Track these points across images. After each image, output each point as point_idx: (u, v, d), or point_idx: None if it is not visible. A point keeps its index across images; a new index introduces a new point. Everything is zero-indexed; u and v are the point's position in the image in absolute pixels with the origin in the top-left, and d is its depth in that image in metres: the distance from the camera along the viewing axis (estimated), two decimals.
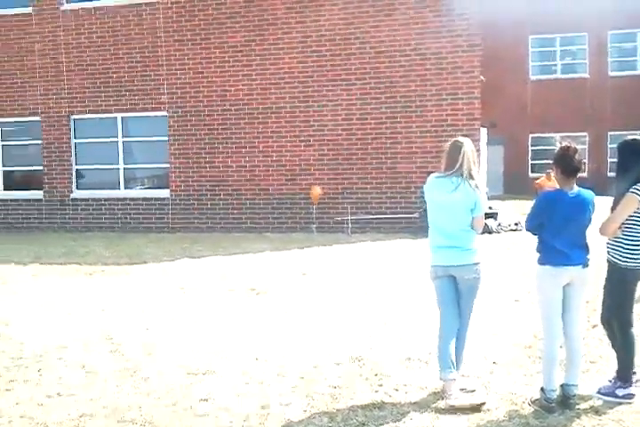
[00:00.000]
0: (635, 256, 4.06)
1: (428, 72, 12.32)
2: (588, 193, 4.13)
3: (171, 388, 4.50)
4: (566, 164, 4.07)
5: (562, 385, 4.03)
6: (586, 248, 4.13)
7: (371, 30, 12.56)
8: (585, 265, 4.08)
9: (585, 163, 22.15)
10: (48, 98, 14.21)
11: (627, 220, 4.07)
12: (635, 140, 4.25)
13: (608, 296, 4.21)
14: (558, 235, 4.04)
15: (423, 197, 4.51)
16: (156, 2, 13.49)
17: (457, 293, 4.22)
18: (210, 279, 8.38)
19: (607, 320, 4.23)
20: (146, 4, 13.58)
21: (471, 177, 4.11)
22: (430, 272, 4.31)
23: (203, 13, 13.34)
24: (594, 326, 5.46)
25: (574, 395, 3.99)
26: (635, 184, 4.02)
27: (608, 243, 4.20)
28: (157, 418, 4.00)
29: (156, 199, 13.72)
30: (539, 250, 4.18)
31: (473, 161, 4.14)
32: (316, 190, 12.42)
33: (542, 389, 4.01)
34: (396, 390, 4.38)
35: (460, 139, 4.23)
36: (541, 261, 4.13)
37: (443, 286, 4.23)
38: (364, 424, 3.83)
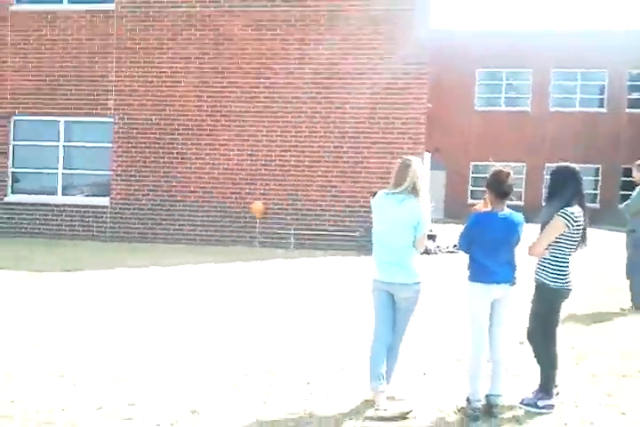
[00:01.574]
0: (562, 277, 4.24)
1: (378, 96, 12.57)
2: (517, 215, 4.33)
3: (97, 392, 4.38)
4: (498, 186, 4.27)
5: (486, 395, 4.21)
6: (513, 267, 4.33)
7: (325, 52, 12.75)
8: (512, 283, 4.29)
9: (521, 191, 23.62)
10: None
11: (555, 242, 4.24)
12: (563, 166, 4.45)
13: (535, 315, 4.36)
14: (488, 254, 4.24)
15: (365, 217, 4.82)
16: (112, 10, 13.35)
17: (393, 308, 4.27)
18: (147, 289, 8.23)
19: (532, 337, 4.40)
20: (101, 11, 13.43)
21: (417, 195, 4.15)
22: (372, 284, 4.38)
23: (158, 24, 13.28)
24: (521, 343, 5.57)
25: (497, 405, 4.18)
26: (562, 208, 4.20)
27: (537, 264, 4.35)
28: (81, 420, 3.88)
29: (94, 207, 13.35)
30: (469, 267, 4.37)
31: (421, 180, 4.18)
32: (258, 205, 12.41)
33: (468, 398, 4.18)
34: (328, 398, 4.40)
35: (410, 157, 4.29)
36: (472, 279, 4.32)
37: (380, 300, 4.29)
38: None
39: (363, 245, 12.26)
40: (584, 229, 4.28)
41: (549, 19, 50.93)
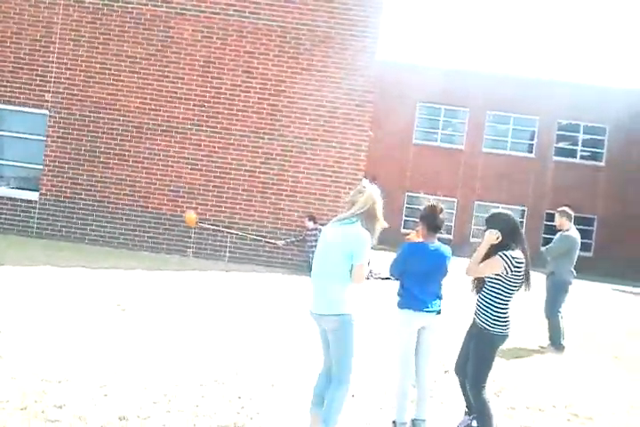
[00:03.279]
0: (502, 323, 4.31)
1: (322, 118, 12.83)
2: (446, 248, 4.60)
3: (22, 393, 4.27)
4: (431, 220, 4.55)
5: (412, 420, 4.44)
6: (440, 297, 4.55)
7: (273, 68, 12.90)
8: (438, 312, 4.51)
9: (451, 226, 24.46)
10: None
11: (494, 286, 4.35)
12: (501, 213, 4.58)
13: (473, 356, 4.40)
14: (418, 283, 4.45)
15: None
16: None
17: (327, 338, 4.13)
18: (74, 290, 8.03)
19: (461, 372, 4.53)
20: None
21: (368, 222, 4.08)
22: None
23: (106, 18, 13.00)
24: (446, 372, 5.86)
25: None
26: (502, 250, 4.29)
27: (477, 308, 4.44)
28: (3, 420, 3.81)
29: (22, 200, 12.87)
30: (399, 294, 4.56)
31: (374, 206, 4.11)
32: (191, 214, 12.22)
33: (394, 421, 4.42)
34: (258, 413, 4.46)
35: (365, 184, 4.25)
36: (401, 306, 4.51)
37: (317, 329, 4.25)
38: None
39: (296, 264, 12.56)
40: (527, 273, 4.36)
41: (493, 60, 52.97)
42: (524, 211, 25.49)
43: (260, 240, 12.69)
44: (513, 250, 4.31)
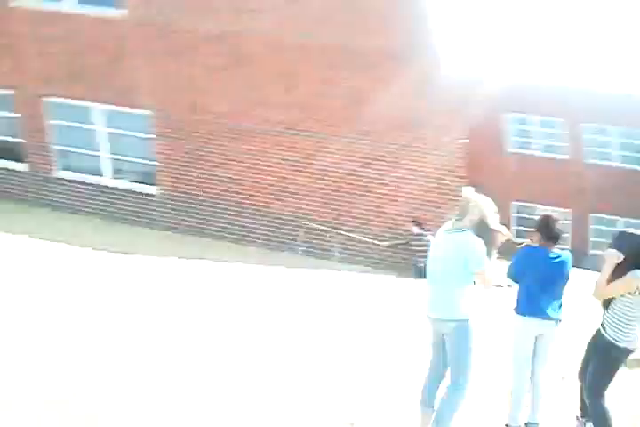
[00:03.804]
0: (632, 337, 4.33)
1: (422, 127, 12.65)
2: (567, 253, 4.53)
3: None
4: (548, 231, 4.47)
5: (525, 424, 4.50)
6: (561, 305, 4.51)
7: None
8: (557, 322, 4.48)
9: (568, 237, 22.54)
10: None
11: (625, 302, 4.30)
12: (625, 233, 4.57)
13: (598, 367, 4.40)
14: (536, 288, 4.39)
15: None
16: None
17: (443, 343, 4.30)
18: (187, 287, 8.27)
19: (583, 378, 4.54)
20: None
21: (480, 230, 4.12)
22: None
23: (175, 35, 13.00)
24: (562, 378, 5.78)
25: None
26: (630, 269, 4.24)
27: (607, 322, 4.41)
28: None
29: (143, 194, 13.67)
30: (517, 300, 4.56)
31: (486, 216, 4.12)
32: None
33: (507, 425, 4.51)
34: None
35: (471, 193, 4.41)
36: (518, 311, 4.52)
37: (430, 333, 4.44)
38: None
39: (404, 267, 12.63)
40: None
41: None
42: None
43: (366, 241, 12.90)
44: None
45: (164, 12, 12.96)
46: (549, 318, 4.47)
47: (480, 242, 4.06)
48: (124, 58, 13.36)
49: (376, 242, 12.95)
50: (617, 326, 4.32)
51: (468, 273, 4.08)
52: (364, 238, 13.00)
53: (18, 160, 14.24)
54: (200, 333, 6.17)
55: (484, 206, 4.13)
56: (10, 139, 14.32)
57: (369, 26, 12.57)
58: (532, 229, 4.70)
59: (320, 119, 12.95)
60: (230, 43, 12.90)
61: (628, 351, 4.41)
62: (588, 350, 4.67)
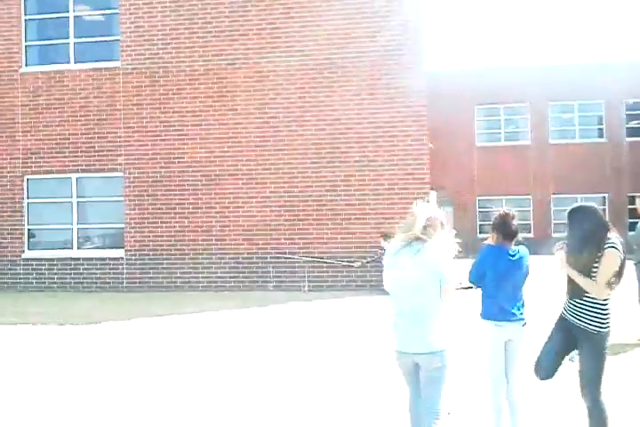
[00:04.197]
0: (608, 320, 3.98)
1: (381, 139, 12.95)
2: (524, 249, 4.40)
3: None
4: (505, 229, 4.34)
5: None
6: (523, 303, 4.34)
7: (326, 99, 13.18)
8: (524, 323, 4.32)
9: (529, 224, 23.86)
10: (2, 158, 14.18)
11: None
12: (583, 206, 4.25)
13: (594, 365, 3.98)
14: (500, 289, 4.26)
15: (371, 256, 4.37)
16: (117, 67, 13.89)
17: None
18: (167, 339, 8.32)
19: (589, 391, 4.03)
20: (106, 69, 13.96)
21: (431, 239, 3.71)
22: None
23: (163, 79, 13.79)
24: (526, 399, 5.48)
25: None
26: (601, 242, 3.93)
27: (583, 311, 3.98)
28: None
29: (110, 259, 13.64)
30: (483, 304, 4.38)
31: (434, 223, 3.73)
32: None
33: None
34: None
35: (417, 203, 3.91)
36: (486, 316, 4.34)
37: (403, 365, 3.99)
38: None
39: (375, 284, 12.43)
40: (623, 263, 3.99)
41: (536, 53, 52.11)
42: (604, 198, 24.58)
43: (338, 264, 12.83)
44: (609, 238, 3.91)
45: None
46: (516, 320, 4.32)
47: (447, 251, 3.77)
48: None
49: (348, 263, 12.86)
50: (597, 312, 3.94)
51: (438, 291, 3.69)
52: (333, 262, 12.89)
53: None
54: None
55: (418, 216, 3.74)
56: None
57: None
58: (490, 229, 4.55)
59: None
60: None
61: (608, 334, 4.04)
62: (554, 344, 4.19)
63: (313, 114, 13.28)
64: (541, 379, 4.22)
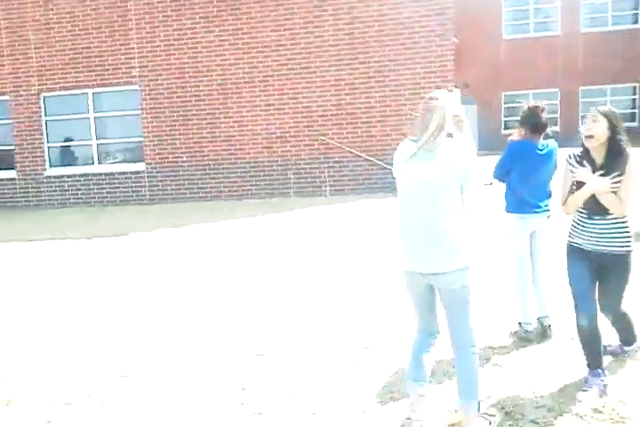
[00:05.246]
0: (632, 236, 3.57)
1: (401, 36, 12.26)
2: (553, 143, 4.26)
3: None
4: (534, 122, 4.15)
5: (537, 318, 4.31)
6: (549, 197, 4.28)
7: None
8: (549, 215, 4.27)
9: (557, 117, 22.98)
10: (17, 76, 13.94)
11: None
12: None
13: (623, 282, 3.61)
14: (526, 183, 4.17)
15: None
16: None
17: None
18: (191, 249, 8.27)
19: (617, 308, 3.76)
20: None
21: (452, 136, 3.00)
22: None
23: None
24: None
25: (549, 325, 4.30)
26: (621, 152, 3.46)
27: (607, 234, 3.49)
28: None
29: (131, 173, 13.57)
30: (507, 198, 4.33)
31: (454, 118, 3.01)
32: None
33: (520, 323, 4.33)
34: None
35: (435, 95, 3.07)
36: (511, 210, 4.29)
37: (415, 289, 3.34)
38: None
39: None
40: None
41: None
42: (634, 87, 23.25)
43: (371, 160, 12.51)
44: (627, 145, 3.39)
45: None
46: (541, 211, 4.25)
47: (468, 147, 3.00)
48: None
49: (374, 160, 12.53)
50: (624, 230, 3.48)
51: (459, 196, 3.01)
52: (367, 157, 12.55)
53: None
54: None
55: (445, 109, 2.96)
56: None
57: None
58: (518, 123, 4.31)
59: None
60: None
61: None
62: (584, 274, 3.62)
63: (330, 13, 12.58)
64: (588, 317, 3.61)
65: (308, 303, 5.39)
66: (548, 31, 24.16)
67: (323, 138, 12.57)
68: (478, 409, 3.07)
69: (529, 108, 4.19)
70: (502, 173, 4.32)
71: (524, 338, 4.25)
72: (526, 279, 4.33)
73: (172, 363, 4.16)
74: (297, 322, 4.91)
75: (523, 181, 4.18)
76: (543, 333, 4.26)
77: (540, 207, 4.21)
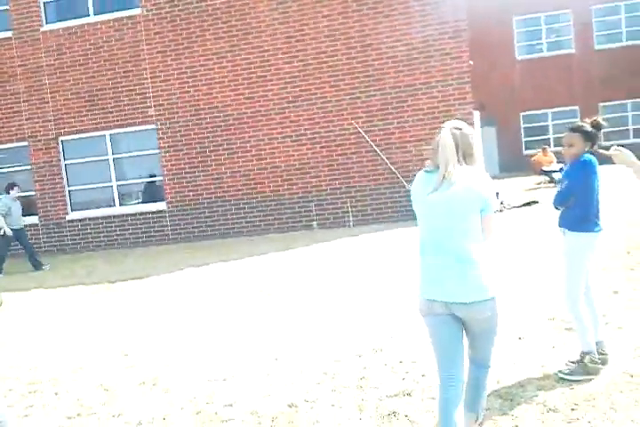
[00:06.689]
0: None
1: (417, 61, 12.18)
2: (592, 157, 4.06)
3: (193, 396, 4.35)
4: (596, 137, 4.03)
5: (596, 343, 4.06)
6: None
7: (355, 25, 12.41)
8: (600, 229, 4.07)
9: None
10: (34, 122, 14.02)
11: None
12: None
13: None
14: (590, 202, 3.99)
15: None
16: (137, 15, 13.33)
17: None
18: (218, 285, 8.21)
19: None
20: (127, 17, 13.42)
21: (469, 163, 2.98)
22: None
23: (185, 22, 13.17)
24: (615, 293, 5.52)
25: (605, 350, 4.07)
26: None
27: None
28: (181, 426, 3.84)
29: (152, 213, 13.51)
30: (571, 217, 4.04)
31: (468, 146, 2.96)
32: None
33: (583, 352, 3.98)
34: (423, 375, 4.25)
35: (446, 124, 3.00)
36: (584, 229, 4.00)
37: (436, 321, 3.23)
38: (394, 412, 3.70)
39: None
40: None
41: None
42: None
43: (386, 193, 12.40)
44: None
45: None
46: (599, 229, 4.05)
47: (487, 176, 2.99)
48: None
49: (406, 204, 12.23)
50: None
51: (480, 225, 2.94)
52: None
53: None
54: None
55: (445, 138, 2.91)
56: None
57: None
58: (576, 139, 4.02)
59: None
60: None
61: None
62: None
63: (342, 42, 12.54)
64: None
65: (330, 329, 5.18)
66: (562, 49, 24.20)
67: (352, 122, 12.41)
68: (476, 420, 3.18)
69: (594, 122, 4.05)
70: (567, 199, 4.04)
71: (593, 369, 3.89)
72: (579, 304, 4.00)
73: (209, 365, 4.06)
74: (318, 347, 4.75)
75: (594, 196, 4.00)
76: (604, 360, 3.99)
77: (600, 226, 4.05)
